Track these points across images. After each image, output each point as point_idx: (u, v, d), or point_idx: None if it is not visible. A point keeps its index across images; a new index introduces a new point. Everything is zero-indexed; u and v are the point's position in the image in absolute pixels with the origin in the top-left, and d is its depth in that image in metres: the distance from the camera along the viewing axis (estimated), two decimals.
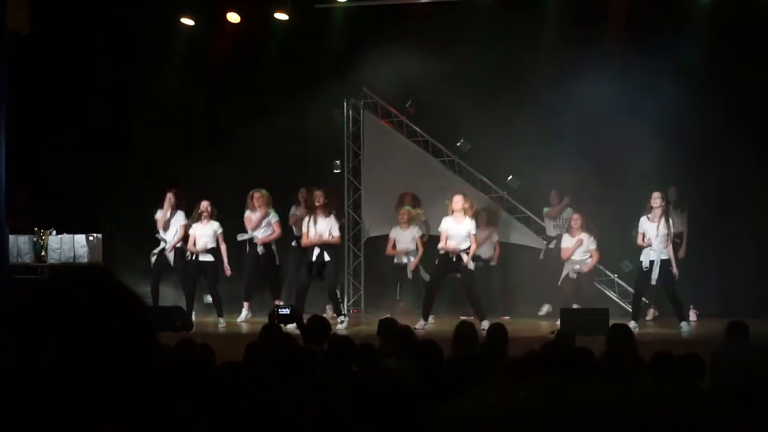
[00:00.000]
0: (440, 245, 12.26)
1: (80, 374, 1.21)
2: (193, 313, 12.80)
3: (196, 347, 6.37)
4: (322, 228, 12.51)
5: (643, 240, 11.81)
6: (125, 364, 1.25)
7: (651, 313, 13.00)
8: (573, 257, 13.09)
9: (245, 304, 13.06)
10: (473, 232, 12.18)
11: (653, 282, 11.84)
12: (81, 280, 1.31)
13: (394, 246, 13.52)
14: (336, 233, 12.65)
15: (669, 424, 0.69)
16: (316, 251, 12.49)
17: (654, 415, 0.70)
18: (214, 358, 6.07)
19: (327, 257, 12.47)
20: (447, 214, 12.23)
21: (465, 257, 12.05)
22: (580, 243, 13.01)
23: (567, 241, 13.16)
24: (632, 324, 11.17)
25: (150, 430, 1.27)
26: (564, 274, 13.16)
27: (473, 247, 12.17)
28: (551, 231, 13.98)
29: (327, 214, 12.54)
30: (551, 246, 13.82)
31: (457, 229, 12.10)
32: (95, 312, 1.25)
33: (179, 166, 14.54)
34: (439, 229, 12.35)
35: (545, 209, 14.14)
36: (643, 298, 12.39)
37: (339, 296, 13.15)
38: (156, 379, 1.31)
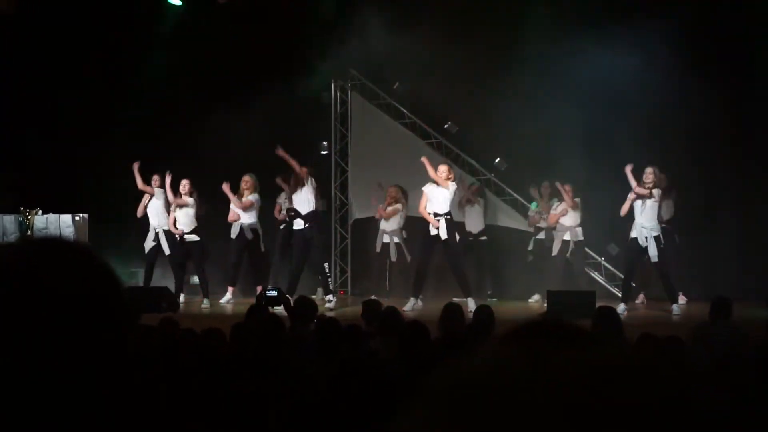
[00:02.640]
0: (420, 208, 12.22)
1: (43, 356, 1.16)
2: (182, 294, 12.82)
3: (197, 334, 6.26)
4: (301, 198, 12.52)
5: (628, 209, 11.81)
6: (92, 345, 1.20)
7: (640, 298, 13.02)
8: (565, 224, 13.18)
9: (230, 289, 13.07)
10: (449, 197, 12.18)
11: (654, 260, 11.78)
12: (41, 251, 1.26)
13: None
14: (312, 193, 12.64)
15: (657, 387, 0.69)
16: (300, 224, 12.49)
17: (642, 378, 0.70)
18: (223, 345, 5.93)
19: (304, 227, 12.48)
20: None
21: (443, 223, 11.99)
22: (566, 212, 13.11)
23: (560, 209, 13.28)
24: (621, 307, 11.19)
25: (124, 417, 1.23)
26: (557, 245, 13.23)
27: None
28: (540, 223, 13.93)
29: (302, 184, 12.51)
30: (540, 237, 13.81)
31: (438, 193, 12.10)
32: (53, 284, 1.20)
33: (165, 146, 14.47)
34: (422, 189, 12.29)
35: (533, 206, 14.02)
36: (632, 283, 12.39)
37: (328, 273, 13.15)
38: (129, 361, 1.26)
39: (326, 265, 13.18)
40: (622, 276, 12.59)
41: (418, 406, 0.71)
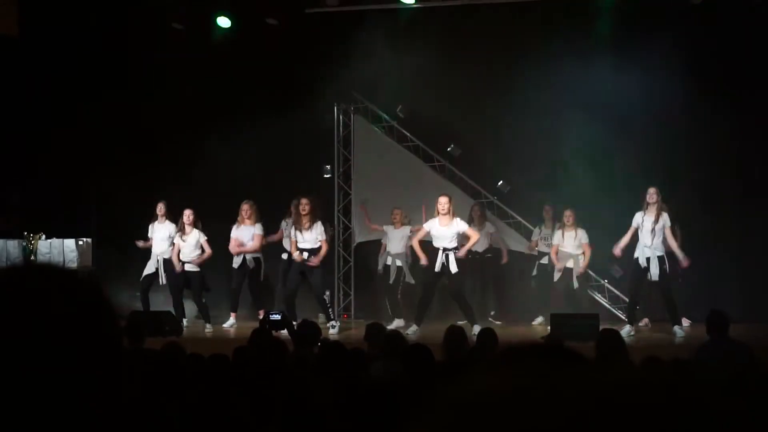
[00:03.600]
0: (414, 240, 12.26)
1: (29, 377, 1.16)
2: (184, 319, 12.78)
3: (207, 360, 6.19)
4: (309, 237, 12.51)
5: (634, 234, 11.73)
6: (85, 358, 1.20)
7: (644, 321, 12.95)
8: (566, 251, 13.08)
9: (232, 314, 13.03)
10: (465, 229, 12.14)
11: (654, 278, 11.71)
12: (35, 270, 1.27)
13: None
14: (322, 237, 12.61)
15: (664, 409, 0.69)
16: (305, 255, 12.50)
17: (647, 401, 0.70)
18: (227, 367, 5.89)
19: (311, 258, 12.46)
20: (434, 216, 12.18)
21: (452, 258, 11.97)
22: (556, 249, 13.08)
23: (558, 238, 13.14)
24: (627, 329, 11.13)
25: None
26: (558, 272, 13.13)
27: (472, 240, 12.14)
28: (543, 248, 13.87)
29: (312, 223, 12.51)
30: (543, 262, 13.75)
31: (443, 231, 12.04)
32: (47, 300, 1.20)
33: (168, 171, 14.49)
34: (424, 226, 12.30)
35: (536, 229, 13.98)
36: (637, 306, 12.31)
37: (328, 302, 13.13)
38: (124, 375, 1.26)
39: (328, 293, 13.12)
40: (627, 298, 12.53)
41: (421, 423, 0.71)
